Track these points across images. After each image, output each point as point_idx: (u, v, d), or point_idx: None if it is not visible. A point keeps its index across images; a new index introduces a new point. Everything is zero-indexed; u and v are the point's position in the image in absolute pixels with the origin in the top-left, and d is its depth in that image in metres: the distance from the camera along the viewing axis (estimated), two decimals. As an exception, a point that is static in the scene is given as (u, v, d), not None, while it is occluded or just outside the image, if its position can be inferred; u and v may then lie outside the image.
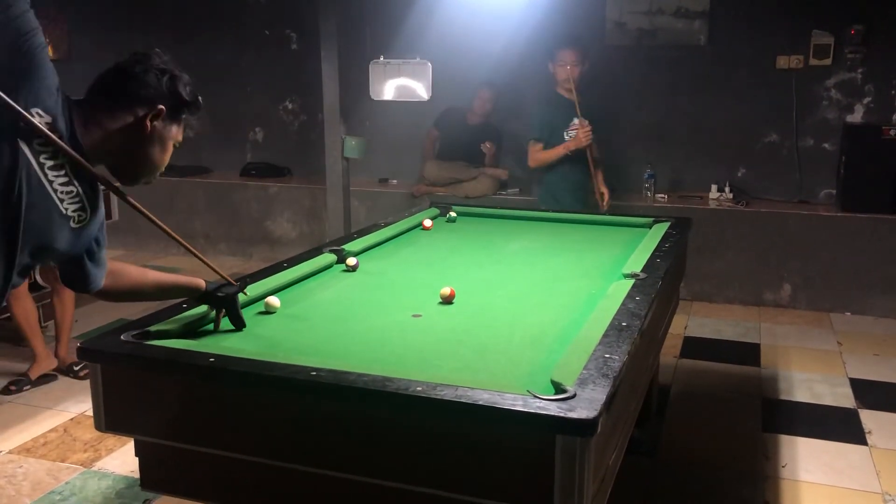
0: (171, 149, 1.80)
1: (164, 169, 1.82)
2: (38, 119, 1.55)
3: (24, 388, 3.87)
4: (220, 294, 2.09)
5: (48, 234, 1.64)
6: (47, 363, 3.99)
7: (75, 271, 1.81)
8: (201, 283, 2.07)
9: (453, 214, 3.82)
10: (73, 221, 1.67)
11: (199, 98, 1.81)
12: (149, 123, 1.71)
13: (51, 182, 1.61)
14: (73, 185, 1.65)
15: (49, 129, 1.57)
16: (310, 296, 2.52)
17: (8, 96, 1.50)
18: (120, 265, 1.96)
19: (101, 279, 1.86)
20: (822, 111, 5.41)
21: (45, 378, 3.95)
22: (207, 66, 6.73)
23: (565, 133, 4.39)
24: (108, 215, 4.96)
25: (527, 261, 3.06)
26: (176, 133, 1.79)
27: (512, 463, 1.58)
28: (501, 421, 1.55)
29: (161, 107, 1.71)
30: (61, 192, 1.63)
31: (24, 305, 3.90)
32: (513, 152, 6.01)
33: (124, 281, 1.96)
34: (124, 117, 1.69)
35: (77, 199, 1.67)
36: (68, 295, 4.00)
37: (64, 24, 7.04)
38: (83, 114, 1.67)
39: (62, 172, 1.62)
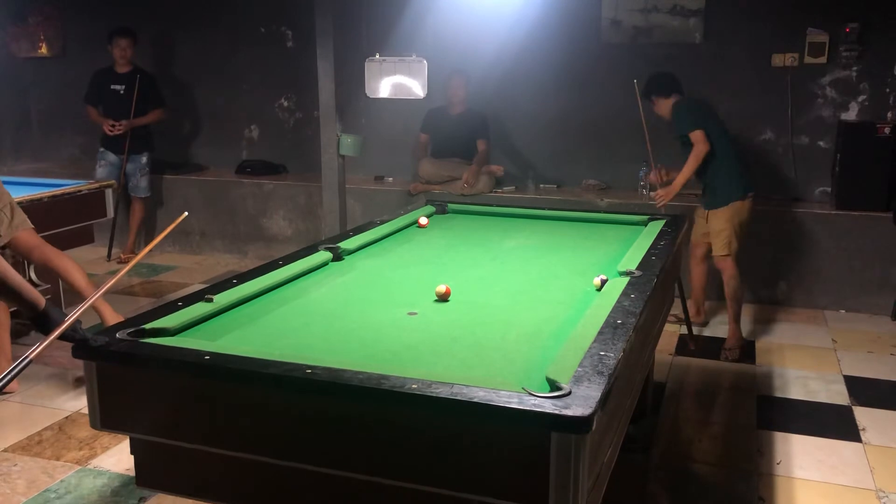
0: None
1: None
2: None
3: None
4: (49, 324, 1.84)
5: None
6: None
7: None
8: (42, 301, 1.86)
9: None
10: None
11: None
12: None
13: None
14: None
15: None
16: (305, 293, 2.52)
17: None
18: None
19: None
20: (816, 109, 5.42)
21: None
22: (203, 64, 6.72)
23: None
24: (104, 213, 4.95)
25: (522, 258, 3.07)
26: None
27: (507, 460, 1.58)
28: (497, 418, 1.55)
29: None
30: None
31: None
32: (508, 149, 6.02)
33: None
34: None
35: None
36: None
37: (59, 21, 7.03)
38: None
39: None
